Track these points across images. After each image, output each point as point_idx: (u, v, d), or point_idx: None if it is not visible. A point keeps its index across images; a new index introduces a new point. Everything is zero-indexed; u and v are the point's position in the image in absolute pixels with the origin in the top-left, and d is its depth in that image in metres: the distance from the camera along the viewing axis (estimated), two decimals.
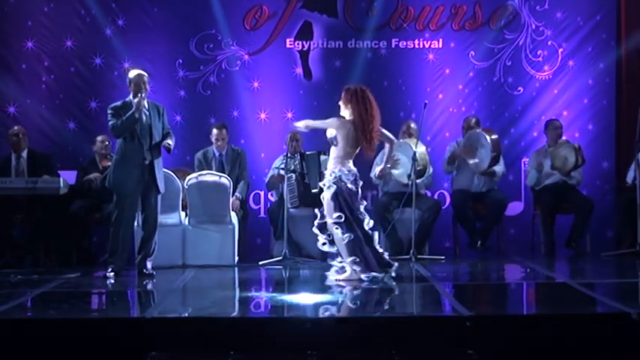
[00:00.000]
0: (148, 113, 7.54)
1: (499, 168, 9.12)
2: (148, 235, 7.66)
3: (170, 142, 7.66)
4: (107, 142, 8.83)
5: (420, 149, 8.54)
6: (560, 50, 9.96)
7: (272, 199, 9.33)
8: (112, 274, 7.48)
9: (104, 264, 7.82)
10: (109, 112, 7.61)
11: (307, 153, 8.91)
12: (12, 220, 8.48)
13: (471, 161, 8.98)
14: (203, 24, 9.87)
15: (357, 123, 6.97)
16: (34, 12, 9.79)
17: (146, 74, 7.69)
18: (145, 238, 7.67)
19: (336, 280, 6.95)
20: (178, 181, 8.45)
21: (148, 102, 7.57)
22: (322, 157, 8.87)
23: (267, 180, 9.20)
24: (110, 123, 7.54)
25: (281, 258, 8.40)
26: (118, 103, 7.64)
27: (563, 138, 9.26)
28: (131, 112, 7.44)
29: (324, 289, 6.75)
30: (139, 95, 7.47)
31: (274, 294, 6.98)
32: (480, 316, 5.40)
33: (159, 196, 7.69)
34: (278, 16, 9.93)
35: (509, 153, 9.68)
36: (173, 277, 7.64)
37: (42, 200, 8.44)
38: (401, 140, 8.79)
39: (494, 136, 8.93)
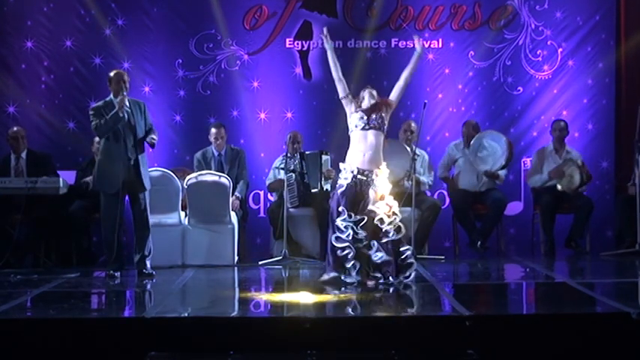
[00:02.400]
0: (130, 111, 7.52)
1: (503, 171, 9.13)
2: (142, 234, 7.65)
3: (154, 136, 7.64)
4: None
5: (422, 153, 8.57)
6: (560, 50, 9.96)
7: (272, 198, 9.33)
8: (118, 273, 7.49)
9: (104, 264, 7.83)
10: (90, 112, 7.61)
11: (307, 153, 8.92)
12: (12, 220, 8.48)
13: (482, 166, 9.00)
14: (203, 24, 9.87)
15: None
16: (34, 12, 9.79)
17: (125, 73, 7.70)
18: (139, 237, 7.66)
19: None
20: (178, 181, 8.45)
21: (129, 100, 7.56)
22: (324, 157, 8.88)
23: (267, 183, 9.21)
24: (93, 123, 7.53)
25: (281, 258, 8.40)
26: (100, 102, 7.65)
27: (567, 146, 9.25)
28: (115, 111, 7.42)
29: (324, 289, 6.74)
30: (121, 94, 7.47)
31: (274, 294, 6.98)
32: (479, 316, 5.40)
33: (147, 194, 7.68)
34: (278, 15, 9.93)
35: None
36: (173, 277, 7.64)
37: (42, 200, 8.43)
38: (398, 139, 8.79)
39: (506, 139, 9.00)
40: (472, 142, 9.03)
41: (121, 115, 7.41)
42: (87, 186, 8.68)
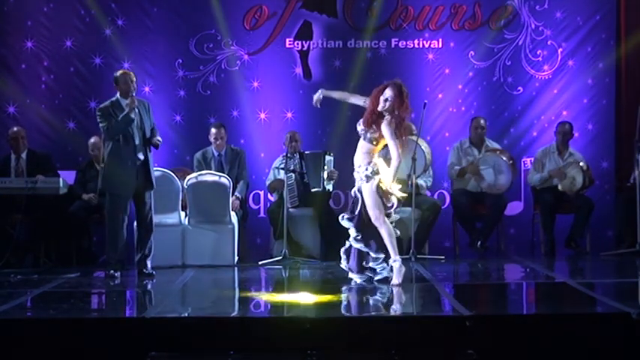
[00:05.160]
0: (137, 111, 7.53)
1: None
2: (145, 234, 7.65)
3: (159, 138, 7.67)
4: (99, 144, 8.79)
5: (423, 144, 8.55)
6: (560, 50, 9.96)
7: (272, 198, 9.33)
8: (118, 273, 7.49)
9: (104, 264, 7.83)
10: (97, 113, 7.60)
11: (307, 153, 8.92)
12: (12, 220, 8.49)
13: (484, 184, 9.01)
14: (203, 24, 9.86)
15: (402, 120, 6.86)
16: (34, 12, 9.78)
17: (132, 72, 7.70)
18: (142, 237, 7.66)
19: (396, 283, 6.74)
20: (178, 181, 8.45)
21: (135, 99, 7.57)
22: (327, 158, 8.87)
23: (267, 184, 9.23)
24: (102, 125, 7.52)
25: (281, 258, 8.41)
26: (106, 103, 7.63)
27: (570, 148, 9.26)
28: (125, 112, 7.42)
29: (324, 289, 6.75)
30: (131, 95, 7.46)
31: (274, 294, 6.99)
32: (480, 316, 5.40)
33: (152, 193, 7.67)
34: (278, 15, 9.92)
35: (509, 153, 9.66)
36: (173, 277, 7.65)
37: (42, 200, 8.43)
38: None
39: (511, 162, 9.00)
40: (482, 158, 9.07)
41: (132, 116, 7.42)
42: (90, 200, 8.65)
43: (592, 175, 9.13)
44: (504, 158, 8.99)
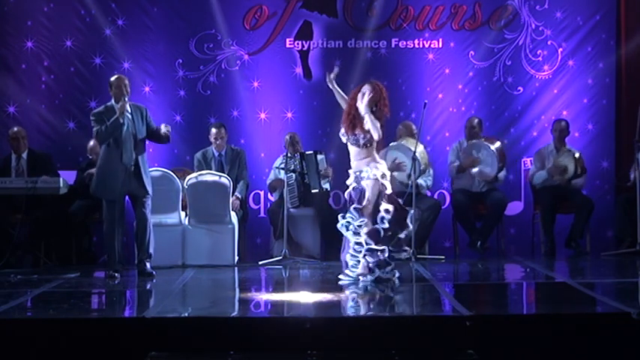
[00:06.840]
0: (130, 117, 7.50)
1: (502, 173, 9.13)
2: (144, 236, 7.64)
3: (165, 127, 7.66)
4: (97, 148, 8.79)
5: (419, 148, 8.54)
6: (560, 50, 9.96)
7: (272, 198, 9.33)
8: (118, 273, 7.49)
9: (104, 264, 7.83)
10: (91, 118, 7.59)
11: (307, 153, 8.92)
12: (12, 220, 8.49)
13: (474, 170, 9.01)
14: (203, 24, 9.87)
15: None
16: (34, 12, 9.79)
17: (126, 78, 7.68)
18: (140, 240, 7.65)
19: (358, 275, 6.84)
20: (178, 181, 8.45)
21: (130, 105, 7.54)
22: (319, 157, 8.89)
23: (268, 183, 9.24)
24: (94, 130, 7.52)
25: (281, 258, 8.41)
26: (100, 108, 7.62)
27: (567, 146, 9.26)
28: (115, 117, 7.39)
29: (324, 289, 6.74)
30: (122, 99, 7.44)
31: (274, 294, 6.99)
32: (479, 316, 5.40)
33: (149, 198, 7.66)
34: (278, 15, 9.93)
35: (509, 153, 9.65)
36: (173, 277, 7.65)
37: (42, 200, 8.43)
38: (400, 141, 8.78)
39: (497, 145, 8.97)
40: (466, 149, 9.06)
41: (121, 121, 7.39)
42: (90, 178, 8.66)
43: (584, 164, 9.12)
44: (492, 148, 8.98)
